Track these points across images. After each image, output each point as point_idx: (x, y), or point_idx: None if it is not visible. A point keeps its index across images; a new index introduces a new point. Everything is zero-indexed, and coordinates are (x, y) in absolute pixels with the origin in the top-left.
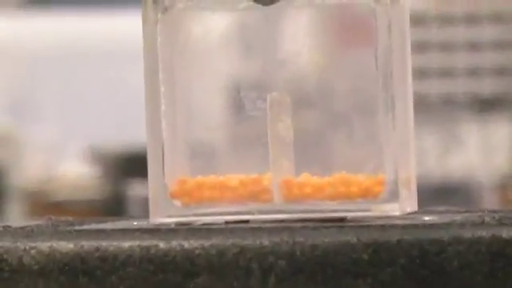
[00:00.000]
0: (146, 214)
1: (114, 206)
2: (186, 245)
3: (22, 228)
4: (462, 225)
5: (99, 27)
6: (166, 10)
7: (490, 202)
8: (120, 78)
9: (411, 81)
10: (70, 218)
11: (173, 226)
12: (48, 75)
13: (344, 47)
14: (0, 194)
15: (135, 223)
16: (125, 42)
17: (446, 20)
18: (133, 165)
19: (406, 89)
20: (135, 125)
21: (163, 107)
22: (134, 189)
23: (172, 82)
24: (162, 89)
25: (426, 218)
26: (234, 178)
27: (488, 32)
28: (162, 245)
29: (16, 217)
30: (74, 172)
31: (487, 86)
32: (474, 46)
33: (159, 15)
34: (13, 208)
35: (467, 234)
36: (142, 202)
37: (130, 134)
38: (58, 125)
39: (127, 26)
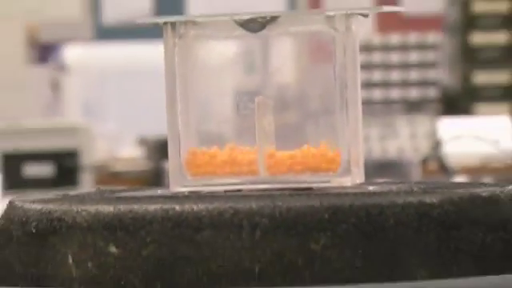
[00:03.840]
0: None
1: (155, 177)
2: (195, 208)
3: (77, 195)
4: (396, 193)
5: (144, 53)
6: (181, 36)
7: (416, 174)
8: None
9: (360, 89)
10: (114, 187)
11: (186, 193)
12: (111, 86)
13: (311, 64)
14: (76, 170)
15: (159, 192)
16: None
17: (384, 47)
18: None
19: (356, 94)
20: None
21: (179, 108)
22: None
23: (186, 90)
24: (179, 96)
25: (371, 188)
26: (231, 158)
27: (414, 55)
28: (177, 207)
29: (87, 185)
30: (128, 154)
31: (413, 94)
32: (405, 66)
33: (176, 40)
34: (86, 179)
35: (400, 200)
36: None
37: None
38: (117, 121)
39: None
